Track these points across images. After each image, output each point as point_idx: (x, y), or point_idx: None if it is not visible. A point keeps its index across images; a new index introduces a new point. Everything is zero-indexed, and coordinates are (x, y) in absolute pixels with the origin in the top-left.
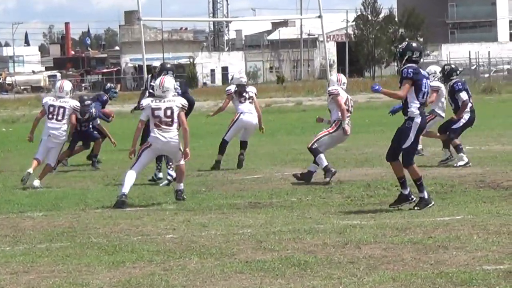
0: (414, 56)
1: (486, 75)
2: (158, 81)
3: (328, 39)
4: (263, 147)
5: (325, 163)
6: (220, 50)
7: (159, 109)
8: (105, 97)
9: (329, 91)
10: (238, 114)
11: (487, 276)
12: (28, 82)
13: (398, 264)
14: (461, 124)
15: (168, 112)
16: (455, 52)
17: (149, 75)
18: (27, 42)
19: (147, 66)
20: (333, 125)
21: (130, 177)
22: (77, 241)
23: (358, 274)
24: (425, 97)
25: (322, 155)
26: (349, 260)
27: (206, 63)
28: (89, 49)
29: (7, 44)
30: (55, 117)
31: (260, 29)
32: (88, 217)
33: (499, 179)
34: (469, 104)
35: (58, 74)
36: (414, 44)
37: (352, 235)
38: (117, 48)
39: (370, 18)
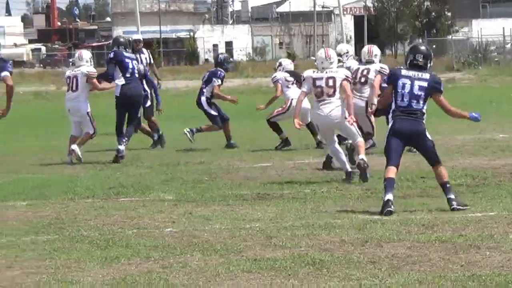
0: (417, 60)
1: None
2: (323, 53)
3: (345, 12)
4: (272, 132)
5: None
6: (223, 23)
7: (321, 79)
8: (221, 73)
9: None
10: (290, 100)
11: None
12: (9, 56)
13: (425, 265)
14: None
15: (330, 82)
16: (487, 28)
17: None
18: (8, 12)
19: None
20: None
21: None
22: (65, 234)
23: (380, 275)
24: (405, 99)
25: None
26: (369, 260)
27: (208, 37)
28: (77, 20)
29: None
30: (70, 88)
31: (268, 0)
32: (77, 207)
33: None
34: None
35: (43, 48)
36: (420, 47)
37: (372, 232)
38: (108, 19)
39: None
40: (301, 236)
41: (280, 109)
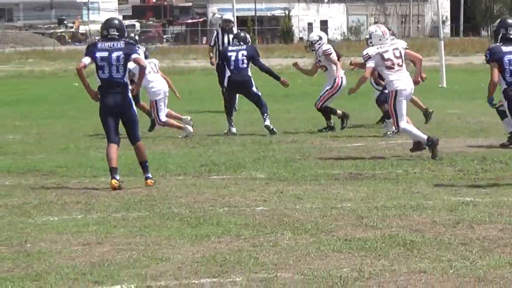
0: (509, 33)
1: None
2: (379, 30)
3: None
4: (363, 113)
5: None
6: (319, 2)
7: (387, 51)
8: None
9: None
10: (340, 79)
11: None
12: None
13: None
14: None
15: (397, 53)
16: None
17: (218, 29)
18: None
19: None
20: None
21: (411, 129)
22: (156, 211)
23: (471, 257)
24: None
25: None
26: (460, 241)
27: (303, 16)
28: None
29: None
30: (152, 71)
31: None
32: (168, 184)
33: None
34: None
35: (137, 24)
36: (509, 21)
37: (464, 214)
38: None
39: None
40: (392, 217)
41: (329, 91)
